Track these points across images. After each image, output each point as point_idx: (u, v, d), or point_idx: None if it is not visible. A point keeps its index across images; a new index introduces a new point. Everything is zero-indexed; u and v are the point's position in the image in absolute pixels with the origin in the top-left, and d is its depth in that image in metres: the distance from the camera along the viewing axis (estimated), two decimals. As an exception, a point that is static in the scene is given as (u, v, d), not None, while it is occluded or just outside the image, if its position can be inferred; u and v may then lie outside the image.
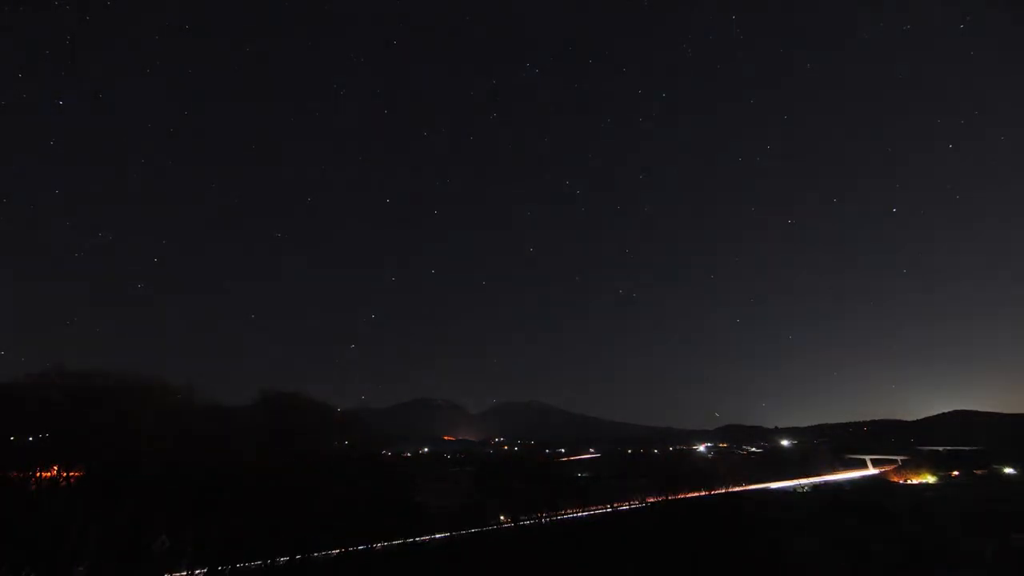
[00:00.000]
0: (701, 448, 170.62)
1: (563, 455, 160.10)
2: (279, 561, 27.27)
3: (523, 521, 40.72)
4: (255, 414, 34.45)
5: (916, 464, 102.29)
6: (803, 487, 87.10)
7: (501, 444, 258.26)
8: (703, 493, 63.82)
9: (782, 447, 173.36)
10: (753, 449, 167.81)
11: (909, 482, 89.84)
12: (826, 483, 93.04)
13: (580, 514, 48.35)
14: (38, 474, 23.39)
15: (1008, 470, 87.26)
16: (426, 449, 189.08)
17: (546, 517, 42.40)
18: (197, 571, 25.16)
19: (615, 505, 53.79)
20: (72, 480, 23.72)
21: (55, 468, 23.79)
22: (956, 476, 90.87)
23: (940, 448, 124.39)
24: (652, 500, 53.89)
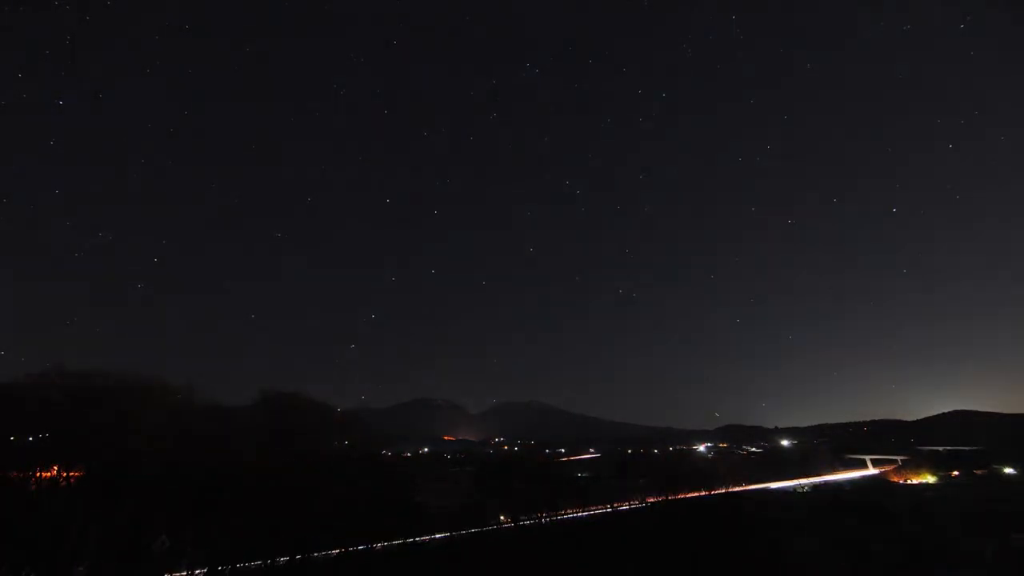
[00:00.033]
0: (701, 448, 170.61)
1: (563, 455, 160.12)
2: (279, 561, 27.27)
3: (523, 521, 40.71)
4: (255, 414, 34.43)
5: (916, 464, 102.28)
6: (803, 487, 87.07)
7: (501, 444, 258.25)
8: (703, 493, 63.79)
9: (782, 447, 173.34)
10: (753, 449, 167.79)
11: (909, 482, 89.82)
12: (826, 483, 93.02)
13: (580, 514, 48.35)
14: (38, 474, 23.38)
15: (1008, 470, 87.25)
16: (426, 449, 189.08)
17: (546, 517, 42.39)
18: (197, 571, 25.16)
19: (615, 505, 53.78)
20: (72, 480, 23.71)
21: (55, 468, 23.78)
22: (956, 476, 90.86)
23: (940, 448, 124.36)
24: (652, 500, 53.89)
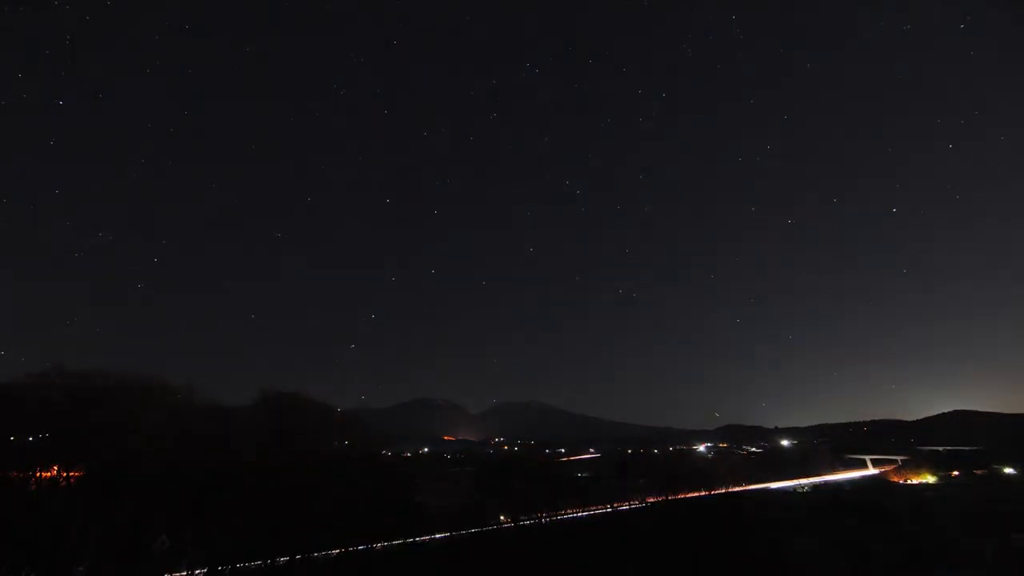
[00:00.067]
0: (701, 448, 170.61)
1: (563, 455, 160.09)
2: (279, 561, 27.27)
3: (523, 521, 40.71)
4: (255, 414, 34.42)
5: (916, 464, 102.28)
6: (803, 487, 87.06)
7: (501, 444, 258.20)
8: (703, 493, 63.81)
9: (782, 447, 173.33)
10: (753, 449, 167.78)
11: (909, 482, 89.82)
12: (826, 483, 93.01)
13: (580, 514, 48.34)
14: (38, 474, 23.38)
15: (1008, 470, 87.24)
16: (426, 449, 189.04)
17: (546, 517, 42.38)
18: (197, 571, 25.16)
19: (615, 505, 53.77)
20: (72, 480, 23.71)
21: (55, 468, 23.77)
22: (956, 476, 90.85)
23: (940, 448, 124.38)
24: (652, 500, 53.88)
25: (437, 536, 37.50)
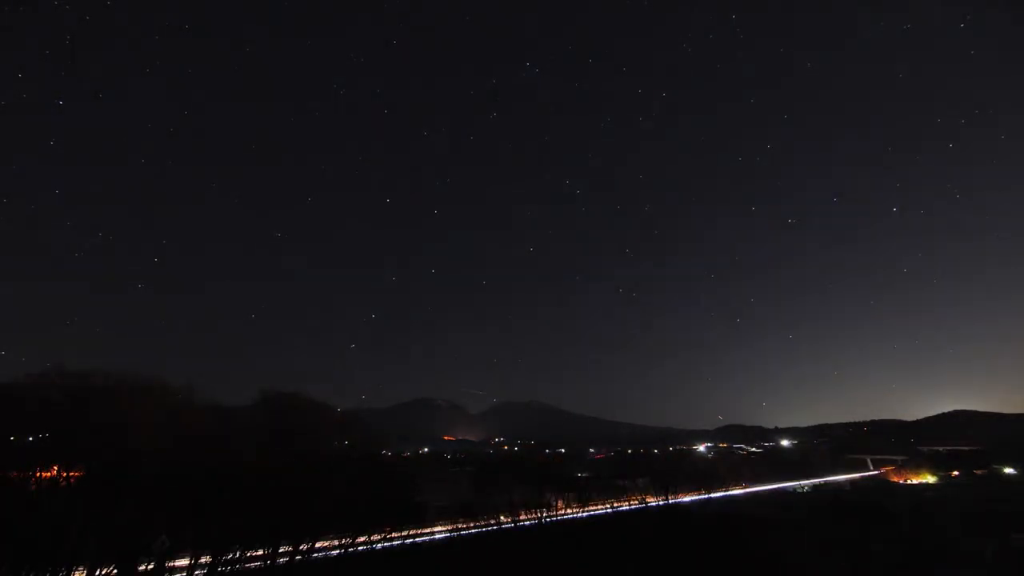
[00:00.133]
0: (701, 448, 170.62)
1: (563, 455, 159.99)
2: (279, 561, 27.28)
3: (523, 521, 40.71)
4: (255, 414, 34.39)
5: (916, 464, 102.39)
6: (803, 487, 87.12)
7: (501, 444, 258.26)
8: (703, 493, 63.83)
9: (782, 447, 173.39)
10: (753, 449, 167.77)
11: (909, 482, 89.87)
12: (826, 483, 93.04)
13: (580, 514, 48.35)
14: (38, 474, 23.36)
15: (1008, 470, 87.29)
16: (426, 449, 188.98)
17: (546, 517, 42.39)
18: (197, 572, 25.17)
19: (615, 505, 53.78)
20: (72, 480, 23.69)
21: (55, 468, 23.76)
22: (956, 476, 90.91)
23: (940, 448, 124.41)
24: (652, 500, 53.89)
25: (437, 536, 37.50)
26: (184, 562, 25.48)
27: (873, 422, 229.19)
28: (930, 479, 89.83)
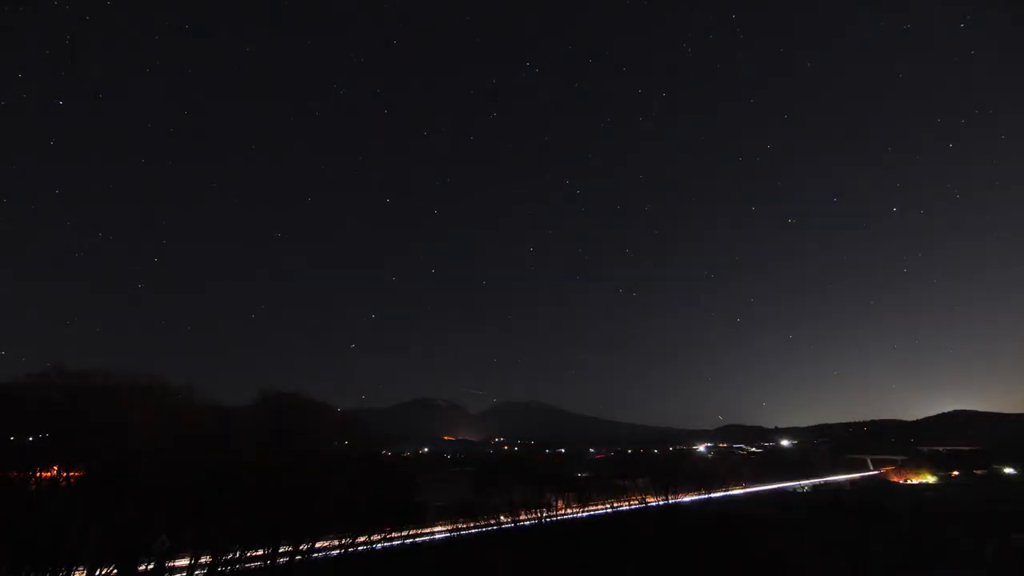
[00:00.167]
0: (701, 448, 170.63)
1: (563, 455, 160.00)
2: (279, 561, 27.28)
3: (523, 521, 40.71)
4: (255, 414, 34.37)
5: (916, 464, 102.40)
6: (803, 487, 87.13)
7: (501, 444, 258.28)
8: (703, 493, 63.81)
9: (782, 447, 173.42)
10: (753, 449, 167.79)
11: (909, 482, 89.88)
12: (826, 483, 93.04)
13: (580, 514, 48.35)
14: (38, 474, 23.36)
15: (1008, 470, 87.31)
16: (426, 449, 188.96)
17: (546, 517, 42.39)
18: (197, 572, 25.17)
19: (615, 505, 53.78)
20: (72, 480, 23.69)
21: (55, 468, 23.75)
22: (956, 476, 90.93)
23: (940, 448, 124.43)
24: (652, 500, 53.89)
25: (437, 536, 37.51)
26: (184, 562, 25.49)
27: (873, 422, 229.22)
28: (930, 479, 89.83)
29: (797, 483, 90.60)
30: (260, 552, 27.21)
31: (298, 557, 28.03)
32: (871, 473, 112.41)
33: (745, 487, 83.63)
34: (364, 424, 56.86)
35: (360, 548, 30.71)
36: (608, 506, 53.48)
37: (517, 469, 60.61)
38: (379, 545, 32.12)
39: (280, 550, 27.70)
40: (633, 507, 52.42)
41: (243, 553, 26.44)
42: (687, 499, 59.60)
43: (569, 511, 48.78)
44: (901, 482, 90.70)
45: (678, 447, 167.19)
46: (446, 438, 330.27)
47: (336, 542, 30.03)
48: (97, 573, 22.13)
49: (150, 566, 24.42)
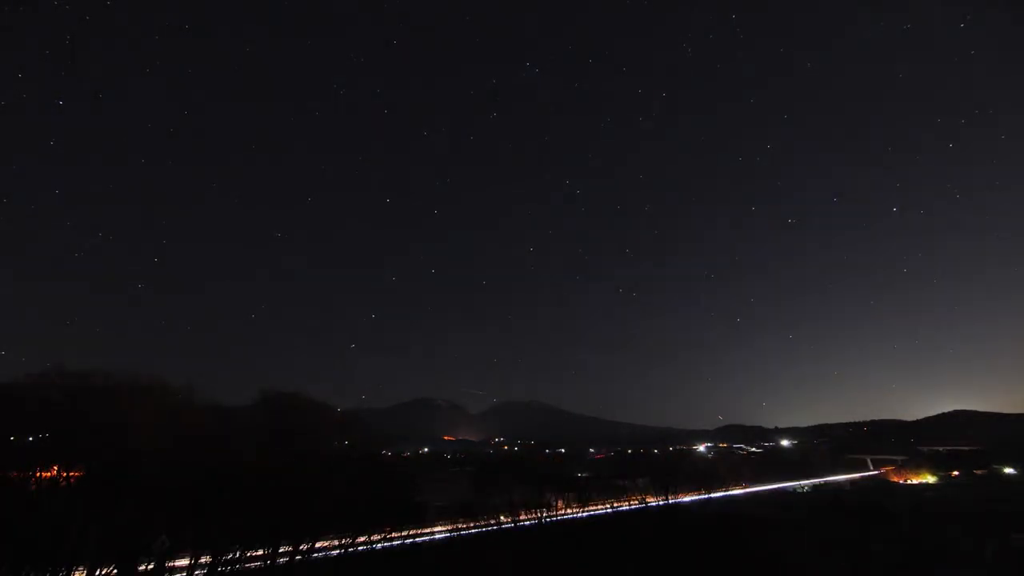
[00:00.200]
0: (701, 448, 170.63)
1: (563, 455, 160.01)
2: (279, 561, 27.27)
3: (523, 521, 40.71)
4: (255, 414, 34.37)
5: (916, 464, 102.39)
6: (803, 487, 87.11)
7: (501, 444, 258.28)
8: (703, 493, 63.80)
9: (782, 447, 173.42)
10: (753, 449, 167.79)
11: (909, 482, 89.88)
12: (826, 483, 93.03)
13: (580, 514, 48.35)
14: (38, 474, 23.36)
15: (1008, 470, 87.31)
16: (426, 449, 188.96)
17: (546, 517, 42.39)
18: (197, 572, 25.17)
19: (615, 505, 53.77)
20: (72, 480, 23.69)
21: (55, 468, 23.76)
22: (956, 476, 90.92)
23: (940, 448, 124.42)
24: (652, 500, 53.89)
25: (437, 536, 37.51)
26: (184, 562, 25.49)
27: (873, 422, 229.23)
28: (930, 479, 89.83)
29: (797, 483, 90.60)
30: (260, 552, 27.22)
31: (298, 557, 28.03)
32: (871, 473, 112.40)
33: (745, 487, 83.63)
34: (364, 424, 56.87)
35: (360, 548, 30.70)
36: (608, 506, 53.47)
37: (517, 469, 60.61)
38: (379, 545, 32.12)
39: (280, 550, 27.70)
40: (633, 507, 52.41)
41: (243, 553, 26.44)
42: (687, 499, 59.59)
43: (569, 511, 48.78)
44: (901, 482, 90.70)
45: (678, 447, 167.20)
46: (446, 438, 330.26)
47: (336, 542, 30.03)
48: (97, 573, 22.12)
49: (150, 566, 24.42)
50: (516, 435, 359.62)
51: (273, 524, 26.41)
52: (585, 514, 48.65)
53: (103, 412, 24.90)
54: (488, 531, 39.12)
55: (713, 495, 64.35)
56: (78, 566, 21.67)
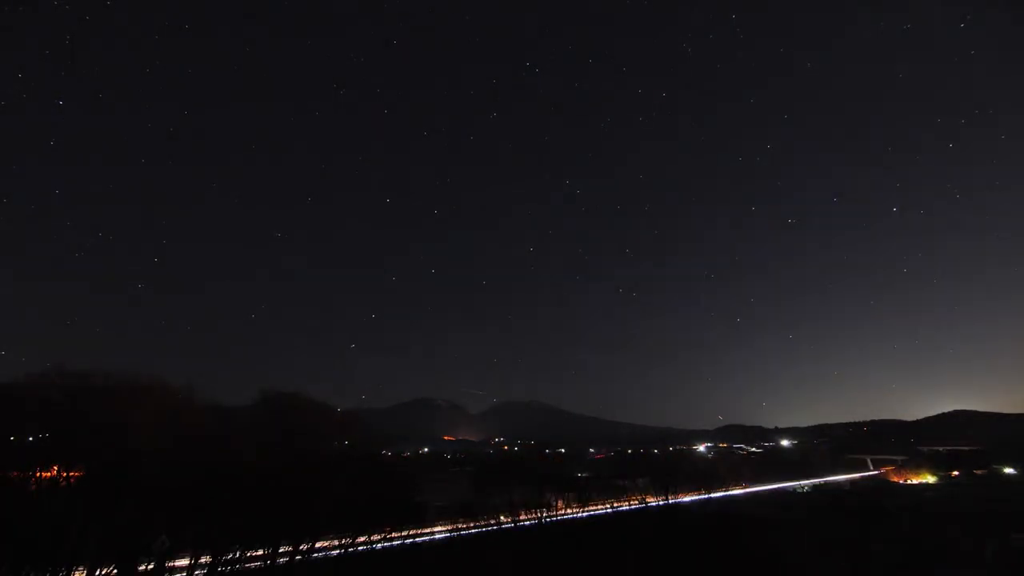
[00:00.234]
0: (701, 448, 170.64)
1: (563, 455, 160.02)
2: (279, 561, 27.27)
3: (523, 521, 40.71)
4: (255, 414, 34.36)
5: (916, 464, 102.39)
6: (803, 487, 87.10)
7: (501, 444, 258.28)
8: (703, 493, 63.80)
9: (782, 447, 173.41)
10: (753, 449, 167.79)
11: (909, 482, 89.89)
12: (826, 483, 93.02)
13: (580, 514, 48.34)
14: (38, 474, 23.36)
15: (1008, 470, 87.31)
16: (426, 449, 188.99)
17: (546, 517, 42.38)
18: (197, 572, 25.17)
19: (615, 505, 53.76)
20: (72, 480, 23.69)
21: (55, 468, 23.75)
22: (956, 476, 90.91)
23: (940, 448, 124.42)
24: (652, 500, 53.88)
25: (437, 536, 37.50)
26: (184, 562, 25.50)
27: (873, 422, 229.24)
28: (930, 479, 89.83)
29: (797, 483, 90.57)
30: (260, 552, 27.21)
31: (298, 557, 28.02)
32: (871, 473, 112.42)
33: (745, 487, 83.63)
34: (364, 424, 56.80)
35: (360, 548, 30.70)
36: (608, 506, 53.46)
37: (517, 469, 60.60)
38: (379, 545, 32.11)
39: (280, 550, 27.70)
40: (633, 507, 52.40)
41: (243, 553, 26.44)
42: (687, 499, 59.57)
43: (569, 511, 48.77)
44: (901, 482, 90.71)
45: (678, 447, 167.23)
46: (446, 438, 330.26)
47: (336, 542, 30.03)
48: (97, 573, 22.12)
49: (150, 566, 24.41)
50: (516, 435, 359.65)
51: (273, 524, 26.41)
52: (585, 514, 48.64)
53: (103, 412, 24.89)
54: (488, 531, 39.11)
55: (713, 495, 64.33)
56: (78, 566, 21.66)
